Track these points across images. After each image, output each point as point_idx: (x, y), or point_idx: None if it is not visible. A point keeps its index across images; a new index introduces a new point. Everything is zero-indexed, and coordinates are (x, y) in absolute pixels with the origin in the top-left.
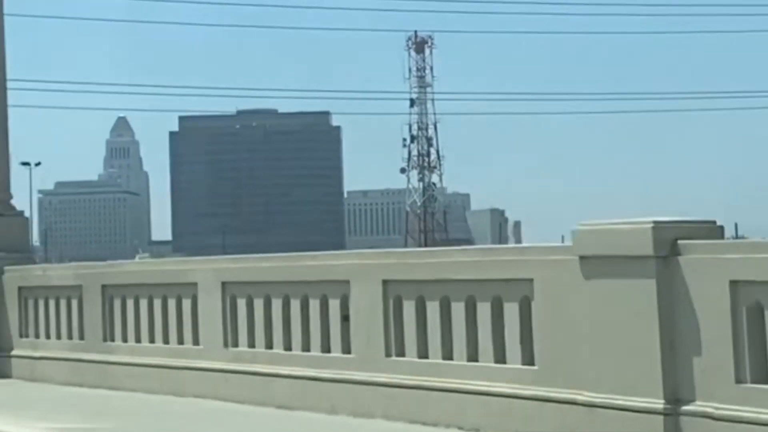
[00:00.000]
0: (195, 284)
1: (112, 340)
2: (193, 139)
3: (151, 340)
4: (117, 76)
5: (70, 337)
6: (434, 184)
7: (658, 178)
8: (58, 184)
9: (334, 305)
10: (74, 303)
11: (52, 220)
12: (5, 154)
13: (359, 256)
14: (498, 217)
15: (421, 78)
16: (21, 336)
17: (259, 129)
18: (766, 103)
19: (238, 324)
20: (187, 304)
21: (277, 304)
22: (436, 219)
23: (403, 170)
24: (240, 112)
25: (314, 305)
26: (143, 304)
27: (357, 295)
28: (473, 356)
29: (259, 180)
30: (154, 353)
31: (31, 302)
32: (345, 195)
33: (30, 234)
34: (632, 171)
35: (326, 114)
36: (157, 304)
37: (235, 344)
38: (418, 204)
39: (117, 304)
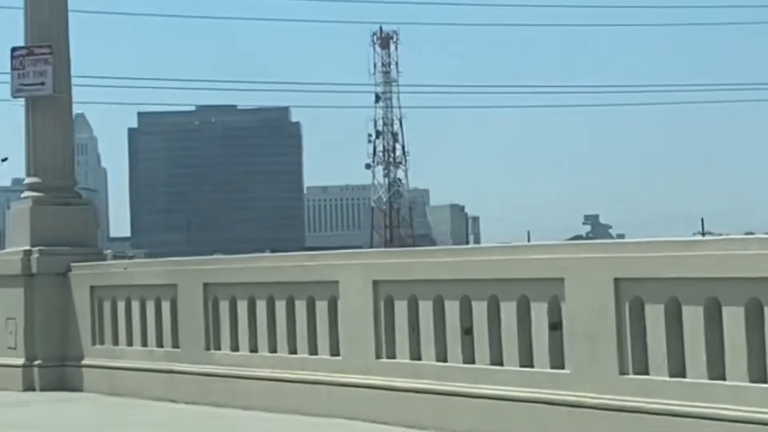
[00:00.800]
0: (336, 283)
1: (217, 348)
2: (152, 135)
3: (272, 349)
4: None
5: (159, 344)
6: (399, 179)
7: (625, 174)
8: (15, 181)
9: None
10: (165, 305)
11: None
12: (70, 137)
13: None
14: (458, 213)
15: (386, 73)
16: (95, 343)
17: (218, 125)
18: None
19: (396, 331)
20: (322, 306)
21: (452, 307)
22: (401, 215)
23: (368, 166)
24: (199, 108)
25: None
26: (261, 306)
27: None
28: None
29: (219, 176)
30: (276, 365)
31: (107, 304)
32: (305, 191)
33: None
34: (598, 167)
35: (286, 109)
36: (280, 306)
37: (392, 355)
38: (384, 200)
39: (224, 306)
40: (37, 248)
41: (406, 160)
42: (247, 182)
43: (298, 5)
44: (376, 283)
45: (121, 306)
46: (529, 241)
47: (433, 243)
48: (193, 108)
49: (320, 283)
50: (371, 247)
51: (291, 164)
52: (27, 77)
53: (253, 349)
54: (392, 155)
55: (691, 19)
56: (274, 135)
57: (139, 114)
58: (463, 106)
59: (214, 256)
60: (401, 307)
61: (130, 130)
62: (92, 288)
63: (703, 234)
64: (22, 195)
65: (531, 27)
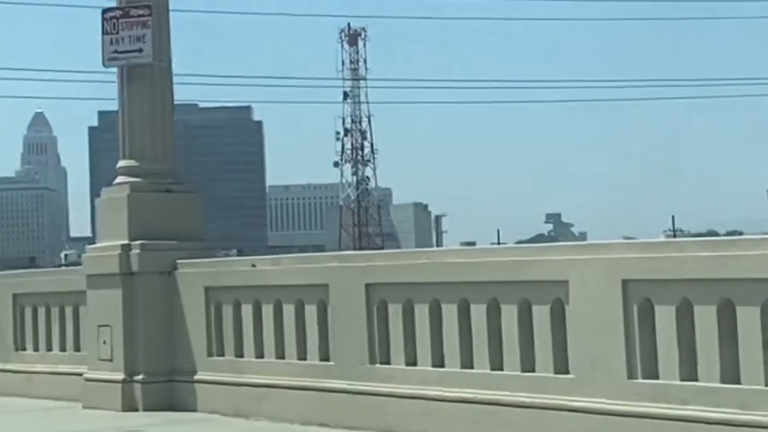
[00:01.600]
0: (565, 282)
1: (386, 362)
2: (112, 133)
3: (465, 364)
4: (30, 63)
5: (301, 356)
6: (368, 177)
7: (588, 172)
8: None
9: None
10: (311, 310)
11: None
12: (170, 114)
13: None
14: (422, 211)
15: (355, 71)
16: (212, 354)
17: (179, 123)
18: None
19: (663, 343)
20: (542, 311)
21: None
22: (369, 213)
23: (336, 164)
24: None
25: None
26: (448, 310)
27: None
28: None
29: (180, 175)
30: (474, 383)
31: (227, 308)
32: (267, 190)
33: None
34: (560, 164)
35: (248, 108)
36: (476, 311)
37: (653, 374)
38: (352, 198)
39: (395, 309)
40: (138, 242)
41: (374, 158)
42: (208, 181)
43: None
44: (626, 283)
45: (246, 310)
46: (498, 240)
47: (397, 242)
48: None
49: (539, 284)
50: (339, 246)
51: (253, 163)
52: (121, 43)
53: (438, 363)
54: (360, 153)
55: (650, 14)
56: (236, 134)
57: (100, 113)
58: (425, 101)
59: (378, 251)
60: (665, 315)
61: (91, 129)
62: (207, 289)
63: (674, 232)
64: (116, 181)
65: (501, 21)
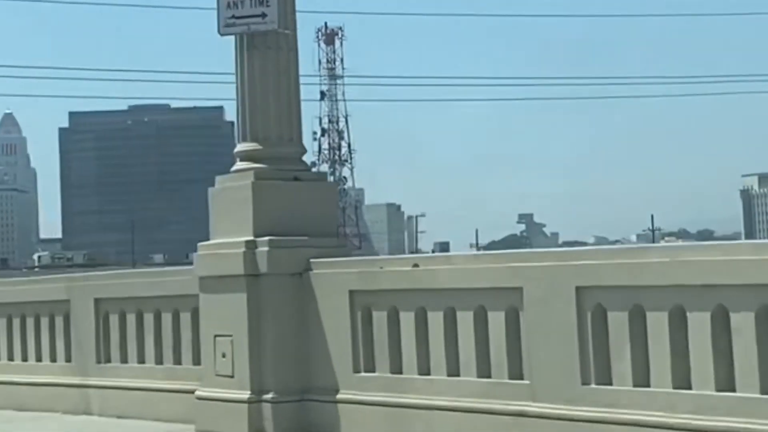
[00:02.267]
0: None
1: (605, 381)
2: (83, 134)
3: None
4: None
5: (484, 372)
6: (345, 178)
7: (562, 173)
8: None
9: None
10: (495, 317)
11: None
12: (297, 90)
13: None
14: (395, 212)
15: (332, 70)
16: (359, 370)
17: (151, 124)
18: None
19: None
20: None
21: None
22: (347, 214)
23: (313, 164)
24: (131, 108)
25: None
26: (699, 320)
27: None
28: None
29: (152, 176)
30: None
31: (379, 315)
32: None
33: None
34: (534, 165)
35: (220, 109)
36: (698, 319)
37: None
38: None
39: (615, 317)
40: (265, 238)
41: (351, 158)
42: (180, 182)
43: None
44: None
45: (407, 318)
46: (477, 240)
47: (370, 243)
48: (125, 107)
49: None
50: None
51: (226, 164)
52: (241, 6)
53: (682, 384)
54: (338, 153)
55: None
56: (208, 134)
57: (70, 113)
58: (398, 99)
59: (588, 248)
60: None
61: (61, 130)
62: (353, 293)
63: (653, 231)
64: (236, 167)
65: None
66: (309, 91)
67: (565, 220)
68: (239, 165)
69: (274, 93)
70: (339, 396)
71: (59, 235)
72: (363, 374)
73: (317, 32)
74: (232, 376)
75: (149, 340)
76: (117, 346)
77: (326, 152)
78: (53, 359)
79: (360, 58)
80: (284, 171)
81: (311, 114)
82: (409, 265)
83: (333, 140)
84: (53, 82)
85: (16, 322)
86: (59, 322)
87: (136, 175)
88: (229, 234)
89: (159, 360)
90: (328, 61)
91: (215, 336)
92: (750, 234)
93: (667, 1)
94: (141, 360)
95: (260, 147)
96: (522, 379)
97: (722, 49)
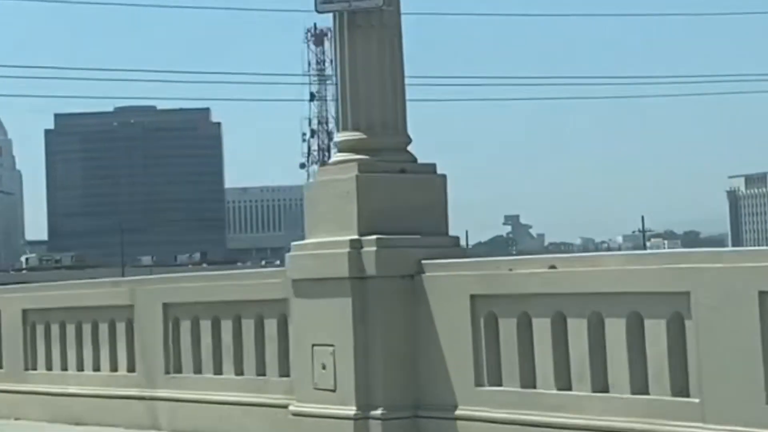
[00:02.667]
0: None
1: None
2: (69, 136)
3: None
4: None
5: (639, 387)
6: None
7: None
8: None
9: None
10: (655, 327)
11: None
12: (401, 74)
13: None
14: None
15: (321, 71)
16: (481, 383)
17: (137, 126)
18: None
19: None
20: None
21: None
22: None
23: (302, 165)
24: (117, 109)
25: None
26: None
27: None
28: None
29: (138, 178)
30: None
31: (506, 323)
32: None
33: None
34: (520, 164)
35: (206, 110)
36: None
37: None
38: None
39: None
40: (372, 237)
41: None
42: (166, 184)
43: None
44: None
45: (541, 326)
46: (467, 242)
47: None
48: (111, 109)
49: None
50: None
51: (211, 165)
52: None
53: None
54: (327, 154)
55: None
56: (194, 136)
57: (56, 115)
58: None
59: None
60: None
61: (47, 132)
62: (474, 298)
63: (643, 233)
64: (336, 158)
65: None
66: (298, 92)
67: (551, 222)
68: (340, 156)
69: (378, 76)
70: (458, 412)
71: (45, 237)
72: (487, 388)
73: (306, 33)
74: (333, 390)
75: (227, 348)
76: (189, 355)
77: (315, 153)
78: (114, 369)
79: None
80: (390, 162)
81: (300, 115)
82: (542, 266)
83: (322, 141)
84: (38, 83)
85: (71, 329)
86: (121, 328)
87: (123, 177)
88: (330, 232)
89: (239, 370)
90: (317, 62)
91: (313, 345)
92: (736, 235)
93: (651, 2)
94: (217, 370)
95: (364, 136)
96: (687, 395)
97: (710, 50)
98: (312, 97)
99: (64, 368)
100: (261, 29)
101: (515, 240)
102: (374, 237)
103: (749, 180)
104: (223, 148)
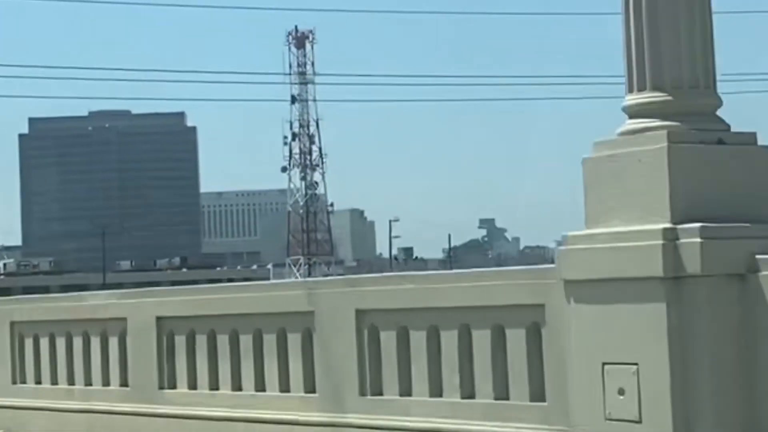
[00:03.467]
0: None
1: None
2: (43, 140)
3: None
4: None
5: None
6: (316, 182)
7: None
8: None
9: None
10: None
11: None
12: (710, 28)
13: None
14: (358, 217)
15: (302, 74)
16: None
17: (111, 130)
18: None
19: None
20: None
21: None
22: (318, 219)
23: (284, 169)
24: (92, 114)
25: None
26: None
27: None
28: None
29: (113, 182)
30: None
31: None
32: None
33: None
34: (495, 168)
35: (181, 114)
36: None
37: None
38: (301, 203)
39: None
40: (693, 225)
41: (323, 163)
42: (141, 188)
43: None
44: None
45: None
46: (449, 246)
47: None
48: (85, 113)
49: None
50: (288, 253)
51: (187, 170)
52: None
53: None
54: (309, 158)
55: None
56: (169, 140)
57: (30, 120)
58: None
59: None
60: None
61: (21, 136)
62: None
63: None
64: (629, 126)
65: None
66: (280, 94)
67: (527, 225)
68: (635, 123)
69: (686, 21)
70: None
71: (19, 243)
72: None
73: (288, 35)
74: (638, 421)
75: (450, 362)
76: (394, 372)
77: (297, 157)
78: (284, 388)
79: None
80: (704, 132)
81: (281, 117)
82: None
83: (304, 145)
84: (11, 84)
85: (244, 339)
86: (294, 340)
87: (97, 182)
88: (629, 220)
89: (468, 392)
90: (299, 65)
91: (604, 364)
92: None
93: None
94: (435, 390)
95: (669, 97)
96: None
97: None
98: (293, 99)
99: (238, 387)
100: (240, 31)
101: (490, 243)
102: (697, 225)
103: None
104: (198, 153)
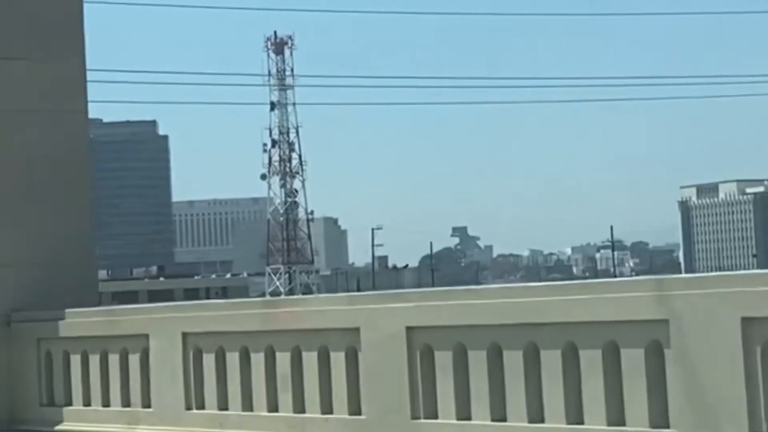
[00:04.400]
0: None
1: None
2: None
3: None
4: None
5: None
6: (296, 190)
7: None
8: None
9: None
10: None
11: None
12: None
13: None
14: (332, 226)
15: (282, 80)
16: None
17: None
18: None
19: None
20: None
21: None
22: (298, 227)
23: (263, 176)
24: None
25: None
26: None
27: None
28: None
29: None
30: None
31: None
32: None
33: None
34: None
35: (153, 123)
36: None
37: None
38: (280, 211)
39: None
40: None
41: (303, 170)
42: (113, 197)
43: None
44: None
45: None
46: (431, 252)
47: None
48: None
49: None
50: (268, 262)
51: (158, 178)
52: None
53: None
54: (289, 165)
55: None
56: (141, 149)
57: None
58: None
59: None
60: None
61: None
62: None
63: (613, 243)
64: None
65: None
66: (259, 100)
67: (501, 233)
68: None
69: None
70: None
71: None
72: None
73: (266, 41)
74: None
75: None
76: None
77: (276, 164)
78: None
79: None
80: None
81: (260, 125)
82: None
83: (284, 152)
84: None
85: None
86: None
87: None
88: None
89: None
90: (278, 71)
91: None
92: (688, 245)
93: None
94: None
95: None
96: None
97: (672, 51)
98: (272, 106)
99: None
100: (218, 34)
101: (463, 251)
102: None
103: (701, 190)
104: (170, 161)
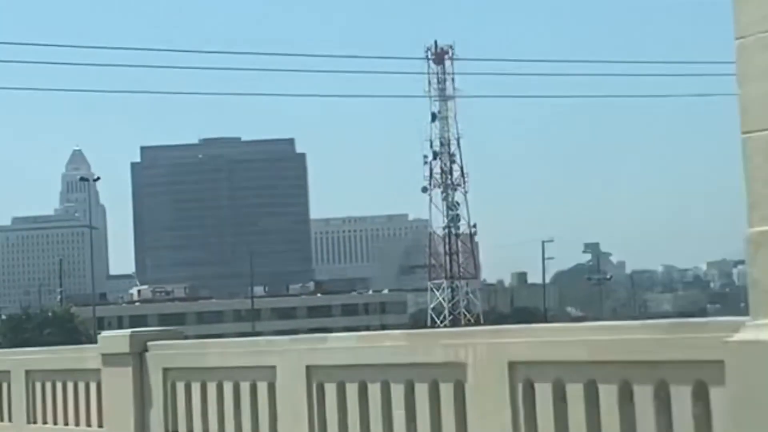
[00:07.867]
0: None
1: None
2: (155, 169)
3: None
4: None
5: None
6: (458, 203)
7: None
8: (16, 219)
9: None
10: None
11: (10, 255)
12: None
13: None
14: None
15: (442, 91)
16: None
17: (222, 158)
18: None
19: None
20: None
21: None
22: (461, 241)
23: (425, 189)
24: (203, 141)
25: None
26: None
27: None
28: None
29: (224, 210)
30: None
31: None
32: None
33: None
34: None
35: (291, 141)
36: None
37: None
38: (443, 225)
39: None
40: None
41: (465, 182)
42: (252, 216)
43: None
44: None
45: None
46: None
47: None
48: (196, 141)
49: None
50: (430, 278)
51: (297, 196)
52: None
53: None
54: (450, 177)
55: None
56: (279, 167)
57: (142, 148)
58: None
59: None
60: None
61: (133, 165)
62: None
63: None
64: None
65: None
66: (420, 112)
67: (631, 249)
68: None
69: None
70: None
71: (129, 272)
72: None
73: (426, 51)
74: None
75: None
76: None
77: (438, 176)
78: None
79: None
80: None
81: (421, 137)
82: None
83: (445, 164)
84: (122, 115)
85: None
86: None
87: (209, 209)
88: None
89: None
90: (438, 81)
91: None
92: None
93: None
94: None
95: None
96: None
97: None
98: (433, 117)
99: None
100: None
101: (596, 268)
102: None
103: None
104: (308, 179)
